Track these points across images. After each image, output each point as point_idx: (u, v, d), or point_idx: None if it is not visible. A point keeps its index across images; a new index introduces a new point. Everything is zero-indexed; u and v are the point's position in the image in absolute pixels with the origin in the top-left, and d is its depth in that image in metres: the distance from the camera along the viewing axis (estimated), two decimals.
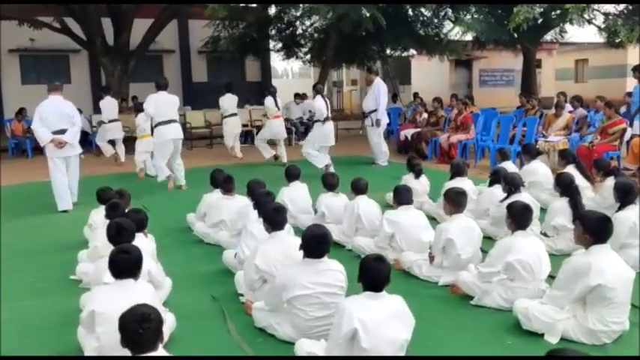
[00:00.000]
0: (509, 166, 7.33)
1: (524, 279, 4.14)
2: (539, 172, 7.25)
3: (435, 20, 16.63)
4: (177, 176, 9.17)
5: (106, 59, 14.71)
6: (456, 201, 4.87)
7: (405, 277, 4.95)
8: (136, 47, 15.09)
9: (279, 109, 11.38)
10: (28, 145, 13.70)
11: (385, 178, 8.88)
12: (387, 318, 3.16)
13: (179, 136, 9.05)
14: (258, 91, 14.38)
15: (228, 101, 12.43)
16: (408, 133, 12.44)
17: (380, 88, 10.88)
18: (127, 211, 5.02)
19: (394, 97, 17.77)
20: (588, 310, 3.66)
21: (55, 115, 7.69)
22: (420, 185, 7.07)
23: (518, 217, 4.31)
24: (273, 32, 18.00)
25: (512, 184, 5.68)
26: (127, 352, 2.65)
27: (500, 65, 26.02)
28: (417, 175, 7.17)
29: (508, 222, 4.37)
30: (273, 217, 4.23)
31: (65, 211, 7.76)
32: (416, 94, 16.44)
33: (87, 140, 14.91)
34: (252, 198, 5.49)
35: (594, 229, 3.71)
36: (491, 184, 6.39)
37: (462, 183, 6.25)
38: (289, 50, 18.62)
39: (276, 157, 11.26)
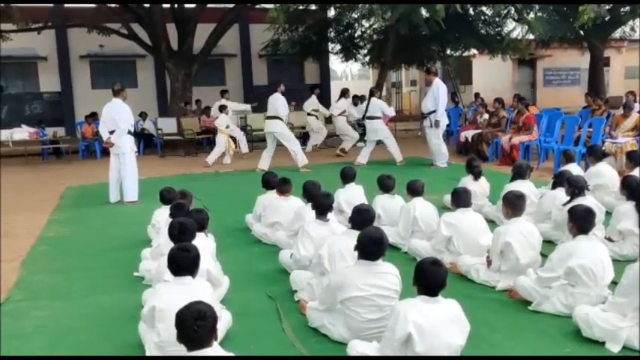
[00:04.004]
0: (574, 168, 7.08)
1: (585, 285, 4.01)
2: (605, 175, 7.01)
3: (497, 19, 16.28)
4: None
5: (170, 64, 15.15)
6: (514, 204, 4.77)
7: (462, 281, 4.88)
8: (199, 52, 15.48)
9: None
10: (96, 147, 14.27)
11: (443, 180, 8.78)
12: (442, 322, 3.13)
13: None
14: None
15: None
16: (468, 134, 12.24)
17: (440, 88, 10.75)
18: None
19: (453, 96, 17.49)
20: None
21: (110, 117, 8.51)
22: (479, 187, 6.94)
23: (581, 220, 4.17)
24: (332, 34, 18.07)
25: (575, 187, 5.50)
26: (183, 348, 2.73)
27: (565, 64, 25.22)
28: (477, 177, 7.04)
29: (570, 226, 4.24)
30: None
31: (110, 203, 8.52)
32: (477, 95, 16.13)
33: (152, 142, 15.44)
34: (308, 199, 5.55)
35: None
36: (554, 186, 6.21)
37: (523, 185, 6.10)
38: (348, 52, 18.64)
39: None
